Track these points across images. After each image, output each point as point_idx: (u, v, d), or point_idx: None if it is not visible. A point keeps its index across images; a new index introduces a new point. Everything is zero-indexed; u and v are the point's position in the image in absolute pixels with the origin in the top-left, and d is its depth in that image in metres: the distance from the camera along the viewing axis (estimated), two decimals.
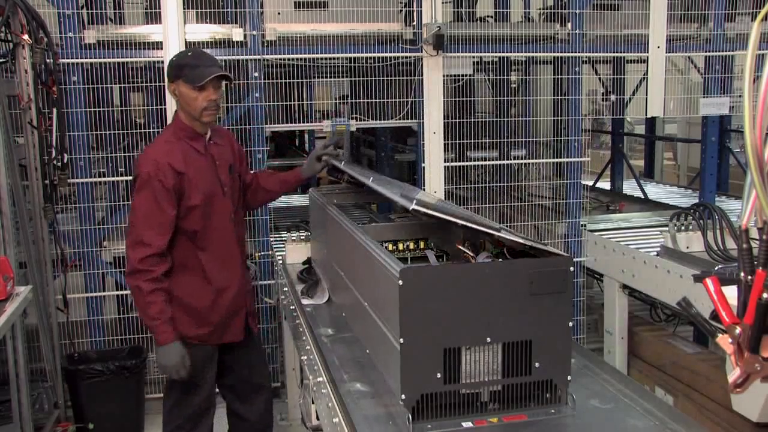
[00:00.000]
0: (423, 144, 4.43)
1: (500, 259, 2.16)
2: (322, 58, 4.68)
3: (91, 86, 3.97)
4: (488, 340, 1.89)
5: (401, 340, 1.85)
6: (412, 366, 1.86)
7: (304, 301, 3.13)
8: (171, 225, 2.77)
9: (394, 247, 2.80)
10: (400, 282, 1.83)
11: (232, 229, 2.99)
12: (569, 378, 1.97)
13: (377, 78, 4.31)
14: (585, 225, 4.76)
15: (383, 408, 2.02)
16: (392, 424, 1.93)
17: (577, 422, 1.93)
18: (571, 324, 1.95)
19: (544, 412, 1.95)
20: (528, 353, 1.92)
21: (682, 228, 3.79)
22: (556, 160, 4.95)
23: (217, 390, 3.18)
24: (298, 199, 6.61)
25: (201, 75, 2.80)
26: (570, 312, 1.96)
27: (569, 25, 4.53)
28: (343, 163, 3.19)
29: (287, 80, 4.39)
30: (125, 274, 2.82)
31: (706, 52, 4.76)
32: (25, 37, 3.72)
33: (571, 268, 1.92)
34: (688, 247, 3.74)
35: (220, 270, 2.94)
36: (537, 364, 1.93)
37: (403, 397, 1.87)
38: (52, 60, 3.81)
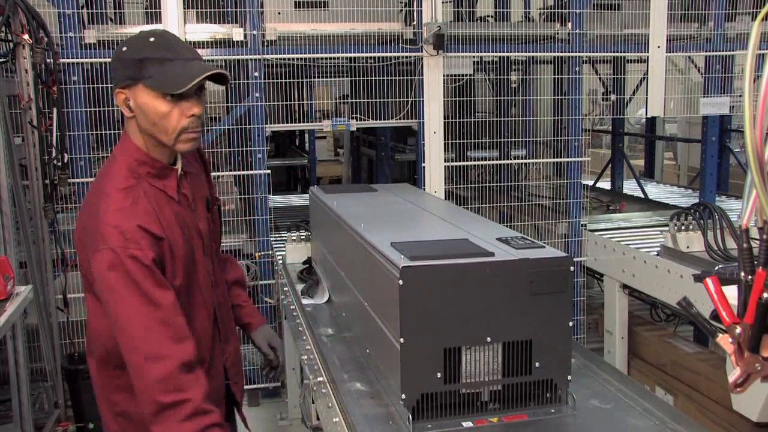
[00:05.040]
0: (423, 144, 4.44)
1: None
2: (322, 58, 4.68)
3: (91, 86, 3.98)
4: (488, 339, 1.89)
5: (401, 340, 1.85)
6: (412, 366, 1.86)
7: (305, 301, 3.13)
8: (177, 313, 1.75)
9: None
10: (401, 281, 1.84)
11: (211, 302, 2.02)
12: (569, 378, 1.97)
13: (377, 78, 4.31)
14: (585, 225, 4.76)
15: (383, 408, 2.02)
16: (392, 423, 1.93)
17: (578, 422, 1.93)
18: (571, 324, 1.95)
19: (545, 412, 1.95)
20: (528, 353, 1.92)
21: (683, 228, 3.78)
22: (556, 159, 4.95)
23: None
24: (298, 199, 6.61)
25: (180, 76, 1.76)
26: (570, 311, 1.96)
27: (569, 24, 4.53)
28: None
29: (287, 80, 4.39)
30: (149, 421, 1.71)
31: (706, 51, 4.76)
32: (26, 36, 3.72)
33: (571, 268, 1.92)
34: (688, 247, 3.74)
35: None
36: (537, 364, 1.93)
37: (403, 396, 1.87)
38: (52, 60, 3.81)
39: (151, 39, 1.80)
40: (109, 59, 3.93)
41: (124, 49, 1.80)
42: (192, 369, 1.70)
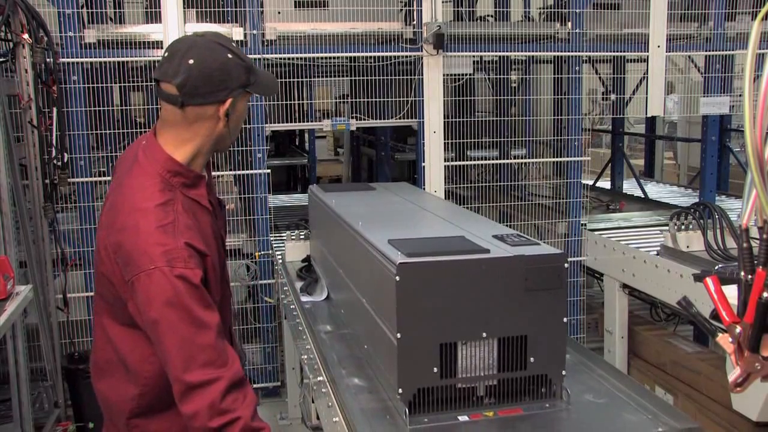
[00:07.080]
0: (423, 143, 4.44)
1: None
2: (322, 58, 4.69)
3: (91, 86, 3.98)
4: (484, 335, 1.90)
5: (398, 335, 1.86)
6: (409, 361, 1.87)
7: (303, 299, 3.14)
8: (221, 333, 1.65)
9: None
10: (397, 278, 1.84)
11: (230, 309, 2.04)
12: (564, 373, 1.98)
13: (377, 77, 4.31)
14: (585, 224, 4.76)
15: (381, 402, 2.03)
16: (389, 418, 1.93)
17: (572, 416, 1.94)
18: (565, 320, 1.96)
19: (539, 406, 1.97)
20: (523, 348, 1.93)
21: (683, 227, 3.78)
22: (556, 159, 4.96)
23: None
24: (297, 199, 6.62)
25: (269, 82, 1.85)
26: (565, 308, 1.97)
27: (569, 24, 4.53)
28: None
29: (287, 80, 4.39)
30: None
31: (706, 51, 4.76)
32: (26, 36, 3.72)
33: (566, 265, 1.93)
34: (688, 247, 3.74)
35: None
36: (532, 359, 1.94)
37: (400, 391, 1.88)
38: (52, 59, 3.81)
39: (233, 46, 1.76)
40: (109, 59, 4.00)
41: (230, 56, 1.71)
42: (239, 386, 1.61)
